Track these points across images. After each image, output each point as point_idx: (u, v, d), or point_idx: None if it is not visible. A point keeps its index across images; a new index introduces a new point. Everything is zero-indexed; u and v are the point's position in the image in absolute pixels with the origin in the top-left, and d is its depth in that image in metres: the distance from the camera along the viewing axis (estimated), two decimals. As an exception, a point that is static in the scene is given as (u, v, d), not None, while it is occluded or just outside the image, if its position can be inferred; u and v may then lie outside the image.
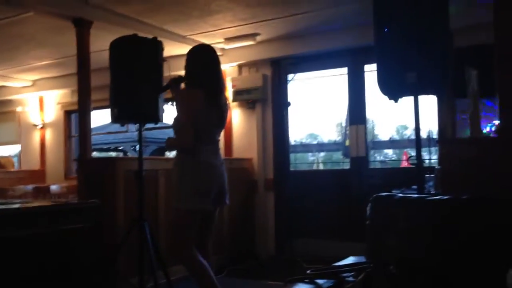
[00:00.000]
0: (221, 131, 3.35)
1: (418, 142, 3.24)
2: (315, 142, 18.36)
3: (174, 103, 3.38)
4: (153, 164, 4.90)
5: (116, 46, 4.05)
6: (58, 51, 6.03)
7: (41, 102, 7.88)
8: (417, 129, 3.20)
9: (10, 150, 9.11)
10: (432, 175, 4.50)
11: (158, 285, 3.90)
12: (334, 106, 6.26)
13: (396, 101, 3.13)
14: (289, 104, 5.94)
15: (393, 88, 3.04)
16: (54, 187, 5.93)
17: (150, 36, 3.99)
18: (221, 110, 3.23)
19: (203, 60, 3.24)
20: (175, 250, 3.25)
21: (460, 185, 3.23)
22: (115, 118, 4.15)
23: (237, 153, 6.19)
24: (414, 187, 3.86)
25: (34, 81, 7.60)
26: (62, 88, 7.45)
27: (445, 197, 2.02)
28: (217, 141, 3.29)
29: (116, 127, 6.15)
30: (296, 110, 7.11)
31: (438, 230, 1.95)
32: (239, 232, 5.79)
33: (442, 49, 2.89)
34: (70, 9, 4.46)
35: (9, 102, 8.13)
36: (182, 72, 3.39)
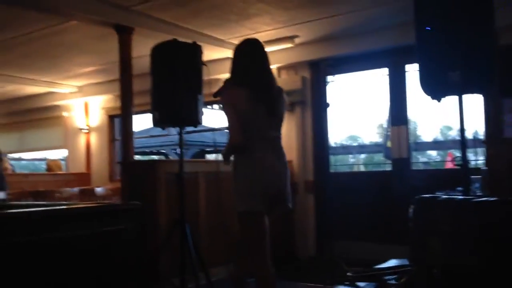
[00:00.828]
0: (278, 125, 3.11)
1: (463, 142, 3.14)
2: (355, 144, 18.14)
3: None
4: (194, 167, 4.97)
5: (156, 51, 4.14)
6: (102, 57, 6.20)
7: (86, 107, 8.13)
8: (462, 129, 3.11)
9: (58, 154, 9.44)
10: (478, 176, 4.37)
11: (199, 286, 3.95)
12: (375, 107, 6.16)
13: (439, 100, 3.05)
14: (328, 105, 5.89)
15: (436, 88, 2.96)
16: (99, 190, 6.10)
17: (190, 41, 4.06)
18: (272, 105, 3.05)
19: (246, 55, 3.10)
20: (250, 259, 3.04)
21: (508, 186, 3.13)
22: (156, 122, 4.25)
23: (276, 155, 6.18)
24: (459, 189, 3.75)
25: (80, 87, 7.84)
26: (106, 94, 7.67)
27: (492, 199, 1.95)
28: (274, 138, 3.06)
29: (158, 130, 6.27)
30: (336, 111, 7.05)
31: (484, 234, 1.88)
32: (280, 233, 5.79)
33: (486, 47, 2.79)
34: (112, 17, 4.59)
35: (56, 107, 8.43)
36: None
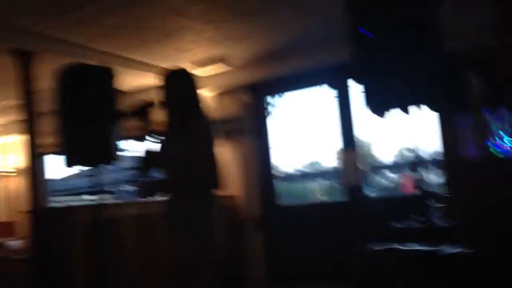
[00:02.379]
0: None
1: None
2: (313, 171, 17.71)
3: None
4: (118, 210, 4.34)
5: (58, 78, 3.53)
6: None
7: (6, 148, 7.27)
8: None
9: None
10: (438, 205, 3.95)
11: None
12: (328, 128, 5.62)
13: (381, 116, 2.58)
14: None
15: (378, 101, 2.49)
16: (13, 243, 5.28)
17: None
18: None
19: (195, 86, 2.87)
20: None
21: (469, 214, 2.70)
22: (66, 162, 3.62)
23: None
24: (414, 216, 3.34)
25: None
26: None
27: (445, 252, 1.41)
28: None
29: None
30: (291, 136, 6.60)
31: None
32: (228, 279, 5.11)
33: (431, 54, 2.36)
34: (8, 40, 3.93)
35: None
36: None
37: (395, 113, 2.59)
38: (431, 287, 1.46)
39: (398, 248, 1.55)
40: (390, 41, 2.48)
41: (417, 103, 2.46)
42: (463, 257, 1.45)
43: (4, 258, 5.23)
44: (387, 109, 2.48)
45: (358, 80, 2.65)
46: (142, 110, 2.90)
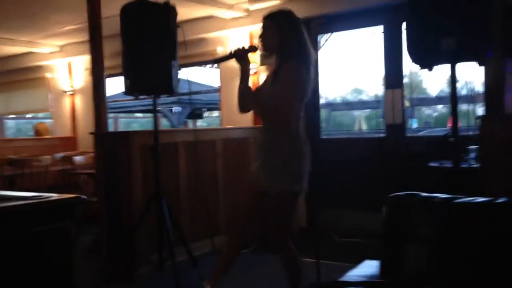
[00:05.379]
0: None
1: (455, 116, 2.81)
2: (358, 100, 17.63)
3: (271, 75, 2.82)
4: (172, 137, 4.66)
5: (125, 13, 3.80)
6: (81, 15, 5.78)
7: (70, 68, 7.74)
8: (454, 101, 2.78)
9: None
10: (475, 146, 4.06)
11: (176, 262, 3.75)
12: (376, 63, 5.68)
13: (430, 69, 2.72)
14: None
15: (425, 55, 2.61)
16: (78, 158, 5.80)
17: (161, 0, 3.69)
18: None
19: (298, 29, 2.81)
20: (279, 241, 2.94)
21: (503, 167, 2.84)
22: (127, 90, 3.95)
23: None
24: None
25: (61, 47, 7.44)
26: (89, 53, 7.26)
27: (478, 200, 1.63)
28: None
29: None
30: (338, 66, 6.63)
31: (470, 241, 1.58)
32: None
33: (484, 10, 2.42)
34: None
35: (38, 68, 8.01)
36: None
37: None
38: (448, 238, 1.60)
39: (418, 194, 1.66)
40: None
41: (464, 60, 2.57)
42: (481, 207, 1.59)
43: (72, 170, 5.82)
44: (433, 64, 2.61)
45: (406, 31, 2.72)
46: (244, 54, 2.89)
